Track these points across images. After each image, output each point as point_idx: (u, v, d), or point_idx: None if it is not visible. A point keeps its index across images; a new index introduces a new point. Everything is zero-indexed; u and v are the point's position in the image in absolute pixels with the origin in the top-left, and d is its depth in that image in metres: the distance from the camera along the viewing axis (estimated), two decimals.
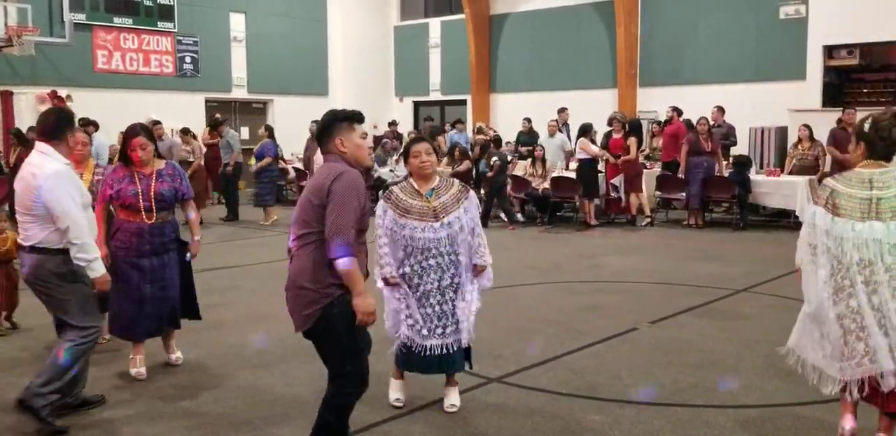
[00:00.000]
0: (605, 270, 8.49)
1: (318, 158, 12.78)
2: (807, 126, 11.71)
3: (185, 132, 13.31)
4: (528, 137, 15.10)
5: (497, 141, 13.30)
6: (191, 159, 12.70)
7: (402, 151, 14.65)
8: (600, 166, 11.93)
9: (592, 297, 7.15)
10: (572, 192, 11.79)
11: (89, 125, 10.91)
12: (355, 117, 3.53)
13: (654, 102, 15.73)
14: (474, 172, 13.13)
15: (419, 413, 4.41)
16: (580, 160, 11.80)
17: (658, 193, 12.19)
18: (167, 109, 14.68)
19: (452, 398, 4.40)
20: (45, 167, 4.01)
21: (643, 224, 11.71)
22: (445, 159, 14.49)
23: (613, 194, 11.99)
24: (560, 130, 13.61)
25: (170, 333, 5.23)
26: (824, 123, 11.71)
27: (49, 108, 4.22)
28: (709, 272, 8.27)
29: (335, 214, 3.29)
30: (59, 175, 4.01)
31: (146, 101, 15.19)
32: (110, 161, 9.99)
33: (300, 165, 14.91)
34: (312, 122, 14.50)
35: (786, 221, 11.54)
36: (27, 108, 14.10)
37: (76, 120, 4.13)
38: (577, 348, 5.56)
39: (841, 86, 14.34)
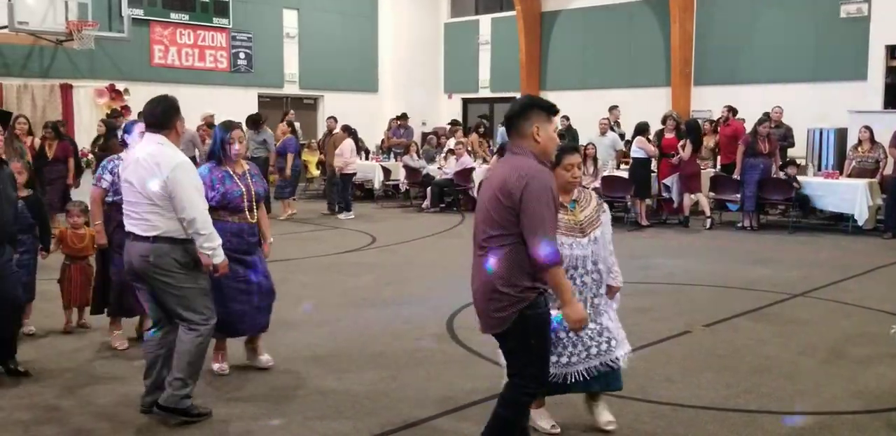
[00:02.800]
0: (657, 272, 8.37)
1: (349, 146, 12.91)
2: (867, 127, 11.40)
3: (210, 126, 13.48)
4: (565, 135, 14.97)
5: None
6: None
7: (444, 150, 14.79)
8: (653, 166, 11.77)
9: (643, 298, 7.04)
10: (624, 191, 11.64)
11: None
12: (553, 109, 3.42)
13: (708, 102, 15.46)
14: None
15: (470, 409, 4.39)
16: (634, 159, 11.65)
17: (712, 194, 11.98)
18: (220, 104, 14.83)
19: (607, 415, 4.11)
20: (169, 157, 3.96)
21: (704, 226, 11.47)
22: (494, 158, 14.46)
23: (665, 195, 11.82)
24: (611, 129, 13.47)
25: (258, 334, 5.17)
26: (886, 125, 11.39)
27: (155, 97, 4.18)
28: (763, 276, 8.10)
29: (537, 219, 3.20)
30: (185, 166, 4.00)
31: (200, 95, 15.40)
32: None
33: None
34: (329, 118, 14.58)
35: (843, 225, 11.25)
36: (86, 101, 14.43)
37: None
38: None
39: None
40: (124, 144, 5.34)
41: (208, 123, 13.79)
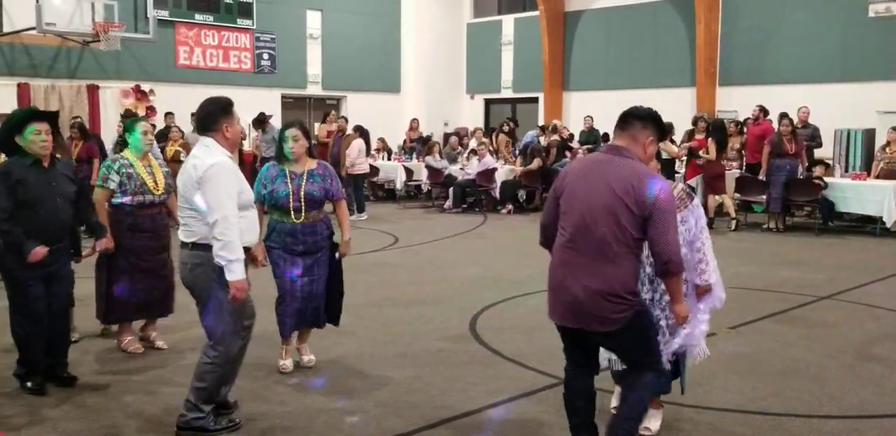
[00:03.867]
0: None
1: (357, 146, 12.89)
2: None
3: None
4: (588, 135, 14.91)
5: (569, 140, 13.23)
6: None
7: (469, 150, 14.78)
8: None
9: None
10: None
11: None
12: (665, 135, 3.55)
13: (733, 102, 15.32)
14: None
15: (493, 410, 4.38)
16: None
17: (737, 195, 11.86)
18: (244, 105, 14.76)
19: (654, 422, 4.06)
20: (207, 159, 3.85)
21: (730, 227, 11.36)
22: (519, 158, 14.43)
23: None
24: None
25: (307, 332, 5.14)
26: None
27: (206, 98, 4.11)
28: (790, 278, 8.01)
29: (672, 229, 3.30)
30: (220, 166, 3.82)
31: (225, 96, 15.49)
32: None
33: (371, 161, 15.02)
34: (341, 118, 14.49)
35: (871, 227, 11.10)
36: (112, 101, 14.57)
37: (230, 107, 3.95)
38: None
39: None
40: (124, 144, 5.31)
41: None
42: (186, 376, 4.17)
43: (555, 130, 14.97)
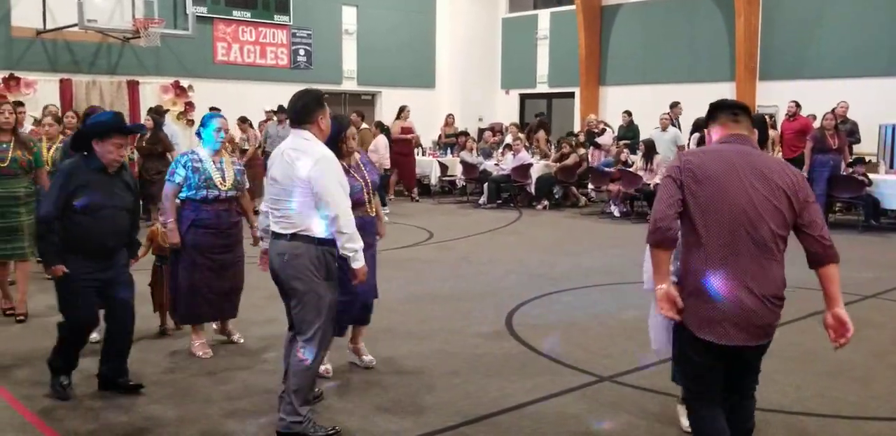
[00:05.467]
0: None
1: (380, 142, 12.82)
2: None
3: (243, 120, 13.61)
4: (626, 130, 14.76)
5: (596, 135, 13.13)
6: (246, 147, 12.98)
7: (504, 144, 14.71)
8: None
9: None
10: None
11: (157, 114, 11.11)
12: None
13: (774, 97, 15.03)
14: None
15: (530, 407, 4.35)
16: None
17: None
18: (280, 101, 14.94)
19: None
20: (313, 152, 3.80)
21: None
22: (553, 154, 14.34)
23: None
24: (672, 125, 13.23)
25: (360, 331, 5.04)
26: None
27: (298, 90, 4.10)
28: None
29: (824, 225, 3.08)
30: (329, 160, 3.82)
31: (261, 92, 15.61)
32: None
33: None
34: (353, 113, 14.40)
35: None
36: (151, 97, 14.74)
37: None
38: None
39: None
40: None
41: (268, 118, 14.01)
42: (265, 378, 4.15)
43: (589, 125, 14.81)
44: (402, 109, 14.95)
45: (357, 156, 4.81)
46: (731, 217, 2.98)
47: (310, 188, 3.76)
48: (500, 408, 4.34)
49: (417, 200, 14.57)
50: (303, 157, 3.79)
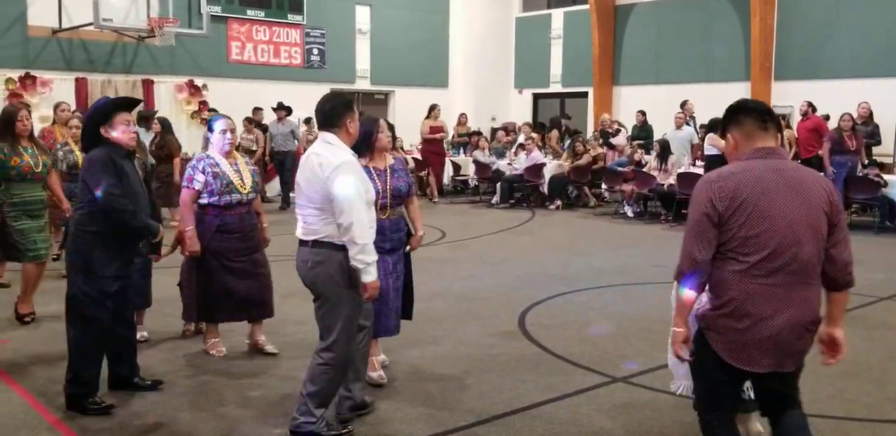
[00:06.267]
0: None
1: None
2: None
3: (249, 121, 13.61)
4: (640, 130, 14.71)
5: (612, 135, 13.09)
6: (254, 148, 12.99)
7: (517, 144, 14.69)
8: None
9: None
10: None
11: (149, 119, 10.88)
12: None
13: (789, 97, 14.93)
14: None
15: (542, 408, 4.34)
16: (707, 156, 11.36)
17: None
18: (294, 100, 15.03)
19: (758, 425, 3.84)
20: (333, 157, 3.73)
21: None
22: (565, 153, 14.31)
23: None
24: (687, 123, 13.19)
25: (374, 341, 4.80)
26: None
27: (326, 94, 3.91)
28: None
29: (849, 242, 2.91)
30: (350, 166, 3.74)
31: (275, 91, 15.64)
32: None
33: (419, 155, 15.06)
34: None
35: None
36: (166, 96, 14.82)
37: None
38: None
39: None
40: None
41: (279, 118, 14.03)
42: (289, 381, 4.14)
43: (603, 125, 14.77)
44: (432, 108, 14.97)
45: (391, 160, 4.71)
46: (777, 241, 2.81)
47: (327, 195, 3.70)
48: (513, 408, 4.33)
49: (436, 202, 14.57)
50: (324, 162, 3.74)
